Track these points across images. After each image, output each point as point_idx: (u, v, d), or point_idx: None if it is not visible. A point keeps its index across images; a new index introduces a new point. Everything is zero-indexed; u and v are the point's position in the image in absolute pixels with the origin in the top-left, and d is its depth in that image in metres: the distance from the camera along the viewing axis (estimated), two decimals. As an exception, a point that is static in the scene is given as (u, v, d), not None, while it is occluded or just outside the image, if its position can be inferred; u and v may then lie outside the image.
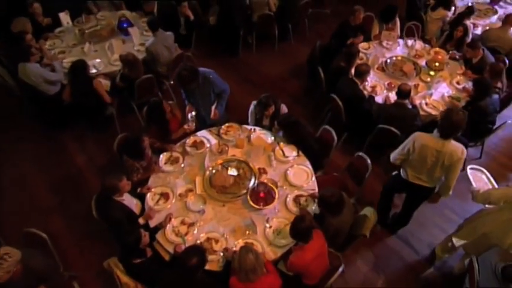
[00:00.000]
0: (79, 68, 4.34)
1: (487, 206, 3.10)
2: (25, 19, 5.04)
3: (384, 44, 5.13)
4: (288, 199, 3.36)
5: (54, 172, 4.67)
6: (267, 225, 3.19)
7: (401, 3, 5.84)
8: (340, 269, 2.89)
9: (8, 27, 4.98)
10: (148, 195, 3.44)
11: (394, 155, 3.41)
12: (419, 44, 5.17)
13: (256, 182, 3.43)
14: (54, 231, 3.97)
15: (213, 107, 4.10)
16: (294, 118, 3.79)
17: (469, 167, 3.57)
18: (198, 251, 2.66)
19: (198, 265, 2.60)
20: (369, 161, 3.57)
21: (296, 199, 3.37)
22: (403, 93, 3.92)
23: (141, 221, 3.22)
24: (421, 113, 4.18)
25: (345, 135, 4.53)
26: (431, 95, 4.44)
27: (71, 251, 3.89)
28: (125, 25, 5.38)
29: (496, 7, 5.96)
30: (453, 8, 5.61)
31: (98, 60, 5.01)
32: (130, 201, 3.34)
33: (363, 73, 4.20)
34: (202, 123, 4.15)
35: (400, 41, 5.28)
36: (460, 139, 3.70)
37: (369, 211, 3.20)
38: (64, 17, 5.53)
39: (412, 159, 3.25)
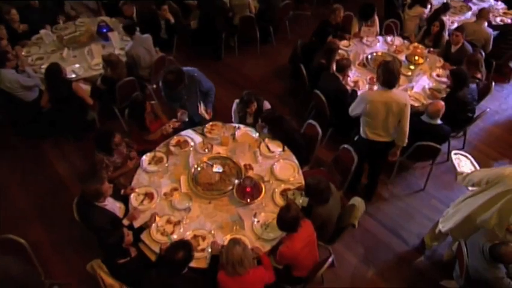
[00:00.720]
0: (53, 71, 4.24)
1: (470, 188, 3.13)
2: (0, 25, 4.92)
3: (364, 41, 5.20)
4: (274, 193, 3.32)
5: (34, 180, 4.51)
6: (255, 219, 3.13)
7: (379, 2, 5.95)
8: (330, 259, 2.85)
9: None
10: (132, 195, 3.35)
11: (350, 110, 3.67)
12: (398, 40, 5.27)
13: (242, 177, 3.38)
14: (34, 239, 3.82)
15: (202, 107, 3.99)
16: (278, 113, 3.78)
17: (453, 152, 3.61)
18: (185, 246, 2.58)
19: (185, 259, 2.53)
20: (354, 153, 3.57)
21: (283, 193, 3.33)
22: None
23: (125, 222, 3.12)
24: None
25: (330, 131, 4.54)
26: (412, 87, 4.50)
27: (52, 259, 3.74)
28: (104, 30, 5.31)
29: (470, 4, 6.15)
30: (429, 6, 5.76)
31: (77, 65, 4.92)
32: (113, 205, 3.24)
33: (343, 67, 4.24)
34: (190, 122, 4.08)
35: (380, 38, 5.37)
36: (443, 127, 3.77)
37: (356, 200, 3.18)
38: (45, 33, 5.40)
39: (366, 117, 3.53)
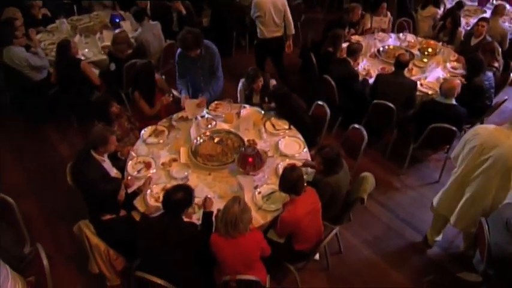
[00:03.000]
0: (63, 46, 4.25)
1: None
2: (15, 9, 5.02)
3: (376, 35, 5.12)
4: (279, 167, 3.13)
5: (33, 159, 4.42)
6: (256, 191, 2.93)
7: (391, 4, 5.92)
8: (335, 231, 2.61)
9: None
10: (130, 163, 3.20)
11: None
12: (410, 36, 5.18)
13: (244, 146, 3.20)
14: (27, 214, 3.67)
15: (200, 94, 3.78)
16: (286, 89, 3.64)
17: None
18: (185, 189, 2.46)
19: (184, 200, 2.40)
20: (364, 132, 3.38)
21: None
22: (401, 63, 3.84)
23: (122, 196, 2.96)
24: (417, 93, 4.07)
25: (340, 120, 4.36)
26: (425, 78, 4.36)
27: (42, 234, 3.56)
28: (117, 20, 5.38)
29: (485, 8, 6.08)
30: (443, 7, 5.70)
31: (86, 50, 4.95)
32: (109, 167, 3.10)
33: (355, 51, 4.14)
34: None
35: (392, 34, 5.30)
36: (458, 108, 3.58)
37: (366, 175, 2.96)
38: (61, 22, 5.50)
39: (259, 18, 4.60)
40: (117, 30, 4.79)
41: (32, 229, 3.49)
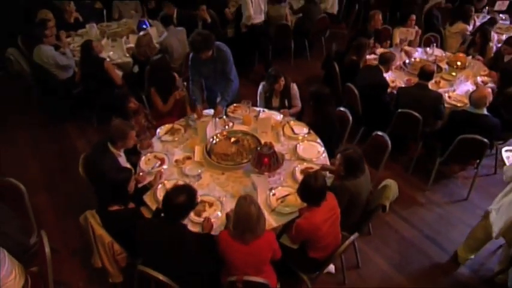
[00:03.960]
0: (86, 46, 4.36)
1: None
2: (48, 11, 5.23)
3: (402, 46, 4.98)
4: (296, 170, 2.99)
5: (51, 154, 4.47)
6: (270, 193, 2.79)
7: (418, 19, 5.80)
8: (353, 237, 2.41)
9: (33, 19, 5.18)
10: (143, 158, 3.14)
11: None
12: (438, 51, 5.02)
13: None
14: (38, 206, 3.66)
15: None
16: (328, 91, 3.43)
17: (504, 148, 3.15)
18: (188, 191, 2.29)
19: (186, 204, 2.23)
20: (388, 139, 3.21)
21: (305, 170, 2.98)
22: (426, 73, 3.67)
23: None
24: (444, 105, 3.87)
25: (362, 130, 4.19)
26: (454, 91, 4.16)
27: (51, 226, 3.49)
28: (143, 25, 5.49)
29: (517, 27, 5.87)
30: (472, 24, 5.53)
31: (111, 52, 5.05)
32: (124, 163, 3.04)
33: (387, 60, 4.01)
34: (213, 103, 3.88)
35: (419, 48, 5.16)
36: (490, 118, 3.36)
37: (388, 182, 2.77)
38: (90, 27, 5.69)
39: None
40: (141, 33, 4.86)
41: (41, 222, 3.46)
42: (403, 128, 3.80)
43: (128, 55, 4.95)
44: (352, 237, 2.40)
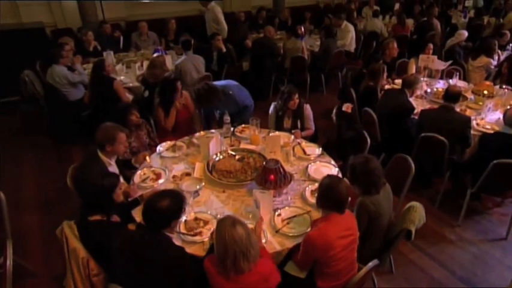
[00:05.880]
0: (97, 65, 4.34)
1: None
2: (69, 38, 5.37)
3: (423, 74, 4.76)
4: (306, 190, 2.65)
5: (51, 175, 4.28)
6: (276, 213, 2.44)
7: (439, 56, 5.63)
8: (371, 264, 1.99)
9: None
10: (138, 173, 2.88)
11: None
12: (462, 83, 4.75)
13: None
14: (26, 227, 3.48)
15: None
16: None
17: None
18: (174, 195, 1.98)
19: (170, 210, 1.90)
20: (411, 162, 2.86)
21: (316, 191, 2.64)
22: (452, 95, 3.37)
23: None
24: (472, 132, 3.51)
25: (383, 157, 3.84)
26: (482, 119, 3.82)
27: (34, 248, 3.25)
28: (158, 53, 5.53)
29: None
30: (496, 57, 5.30)
31: (122, 77, 5.04)
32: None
33: (411, 83, 3.78)
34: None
35: (441, 81, 4.91)
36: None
37: (413, 204, 2.38)
38: (108, 54, 5.81)
39: None
40: (155, 54, 4.86)
41: (27, 244, 3.28)
42: (427, 155, 3.43)
43: (139, 79, 4.91)
44: (370, 264, 1.98)
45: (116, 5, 7.36)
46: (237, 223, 1.79)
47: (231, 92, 3.75)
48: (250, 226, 2.23)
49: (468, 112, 3.95)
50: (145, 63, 5.24)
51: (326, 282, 2.08)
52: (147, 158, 3.01)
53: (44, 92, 4.85)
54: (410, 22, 8.04)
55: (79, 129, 4.89)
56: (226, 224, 1.78)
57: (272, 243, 2.24)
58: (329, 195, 2.03)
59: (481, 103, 4.14)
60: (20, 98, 5.65)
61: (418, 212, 2.28)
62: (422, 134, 3.35)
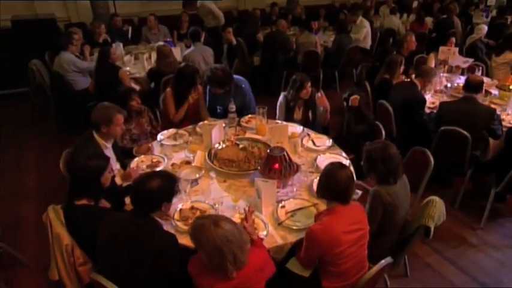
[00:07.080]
0: (102, 53, 4.23)
1: None
2: (78, 29, 5.29)
3: (442, 74, 4.48)
4: (314, 182, 2.43)
5: (52, 166, 4.15)
6: (279, 205, 2.24)
7: (460, 51, 5.35)
8: (384, 262, 1.77)
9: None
10: (135, 159, 2.73)
11: None
12: (485, 78, 4.44)
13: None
14: (23, 216, 3.39)
15: None
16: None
17: None
18: (164, 175, 1.81)
19: (161, 191, 1.73)
20: (430, 155, 2.62)
21: (324, 183, 2.42)
22: (474, 84, 3.11)
23: (117, 180, 2.46)
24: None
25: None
26: (508, 114, 3.55)
27: (28, 238, 3.13)
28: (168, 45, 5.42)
29: None
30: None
31: (127, 67, 4.92)
32: (112, 163, 2.63)
33: (425, 73, 3.53)
34: None
35: (461, 76, 4.63)
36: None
37: (432, 198, 2.13)
38: (117, 45, 5.73)
39: None
40: (159, 43, 4.73)
41: (22, 233, 3.18)
42: (446, 152, 3.16)
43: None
44: (383, 261, 1.76)
45: (129, 1, 7.32)
46: (219, 220, 1.56)
47: (243, 86, 3.58)
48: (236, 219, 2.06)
49: (492, 107, 3.66)
50: (153, 55, 5.14)
51: (332, 282, 1.86)
52: (152, 149, 2.85)
53: (50, 81, 4.78)
54: (429, 20, 7.73)
55: (85, 119, 4.81)
56: (207, 227, 1.52)
57: (273, 236, 2.04)
58: (326, 183, 1.85)
59: (506, 98, 3.85)
60: (29, 89, 5.60)
61: (438, 208, 2.04)
62: (442, 128, 3.10)
